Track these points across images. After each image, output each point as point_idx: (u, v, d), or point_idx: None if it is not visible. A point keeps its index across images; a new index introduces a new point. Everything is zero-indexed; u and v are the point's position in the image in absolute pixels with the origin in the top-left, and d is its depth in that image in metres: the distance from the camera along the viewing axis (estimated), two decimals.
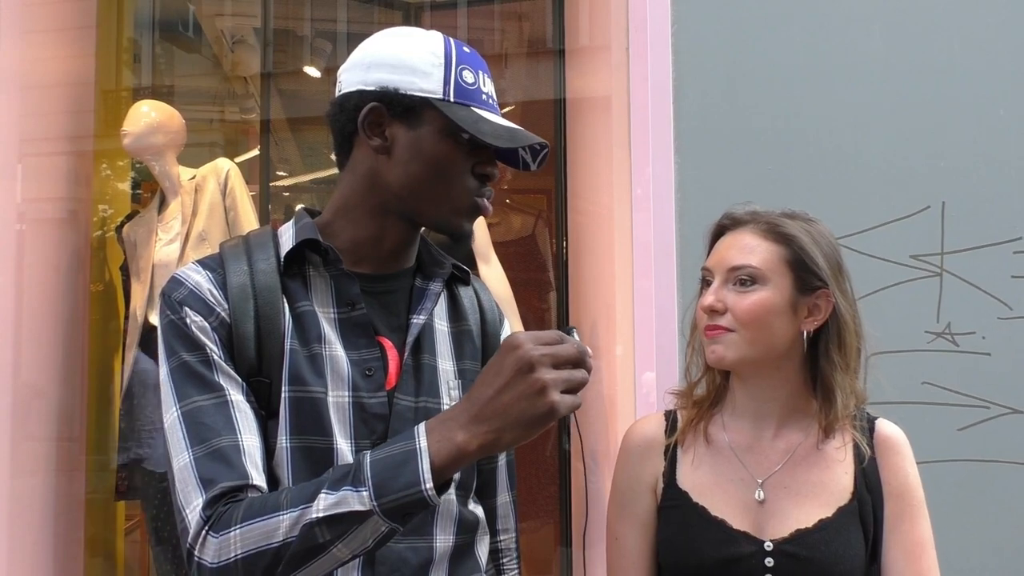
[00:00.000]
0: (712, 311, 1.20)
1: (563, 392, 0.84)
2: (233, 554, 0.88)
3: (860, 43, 2.08)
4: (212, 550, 0.89)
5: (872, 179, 2.04)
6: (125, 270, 2.92)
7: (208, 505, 0.91)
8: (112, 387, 2.99)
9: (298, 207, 1.16)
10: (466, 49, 1.07)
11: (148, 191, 3.36)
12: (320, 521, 0.86)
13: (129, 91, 3.46)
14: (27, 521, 2.40)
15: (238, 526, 0.89)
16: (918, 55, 2.07)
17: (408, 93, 1.03)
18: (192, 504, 0.92)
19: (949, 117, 2.06)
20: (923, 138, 2.05)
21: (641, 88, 2.06)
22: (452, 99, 1.03)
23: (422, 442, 0.86)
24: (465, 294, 1.20)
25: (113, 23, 3.27)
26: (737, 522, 1.20)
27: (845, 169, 2.04)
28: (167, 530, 2.71)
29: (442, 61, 1.04)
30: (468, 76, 1.04)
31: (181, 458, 0.94)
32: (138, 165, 3.41)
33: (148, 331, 2.69)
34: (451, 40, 1.07)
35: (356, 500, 0.85)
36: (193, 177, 2.79)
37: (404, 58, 1.04)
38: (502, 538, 1.24)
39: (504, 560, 1.24)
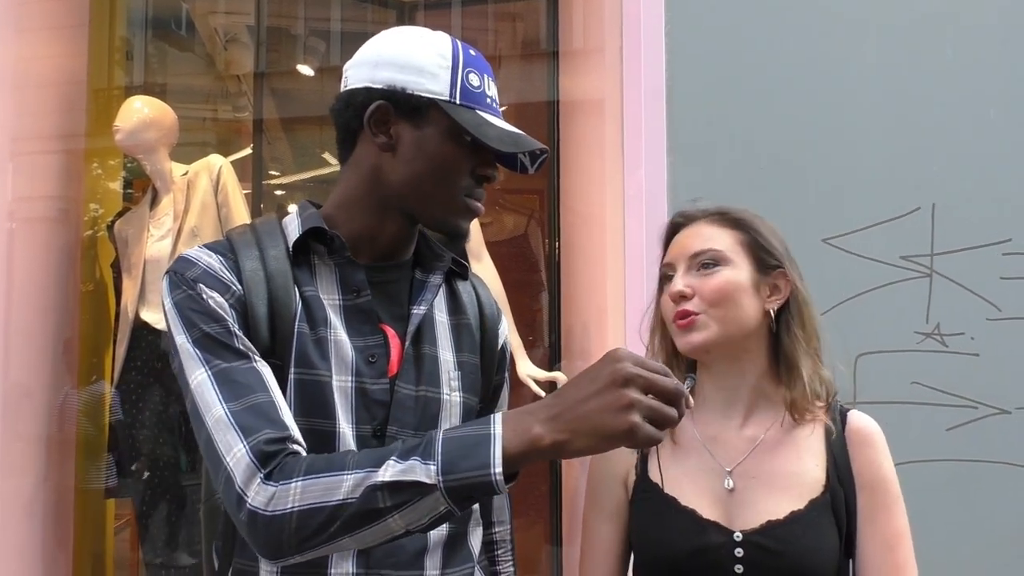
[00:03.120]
0: (681, 297, 1.23)
1: (647, 420, 0.83)
2: (290, 505, 0.87)
3: (853, 46, 2.09)
4: (267, 497, 0.88)
5: (863, 180, 2.05)
6: (116, 267, 2.91)
7: (255, 451, 0.90)
8: (102, 386, 2.98)
9: (300, 201, 1.17)
10: (472, 52, 1.09)
11: (140, 190, 3.35)
12: (384, 486, 0.86)
13: (121, 89, 3.44)
14: (16, 521, 2.39)
15: (300, 478, 0.88)
16: (910, 58, 2.09)
17: (415, 93, 1.04)
18: (233, 451, 0.91)
19: (940, 119, 2.07)
20: (914, 140, 2.07)
21: (634, 90, 2.07)
22: (458, 101, 1.04)
23: (497, 428, 0.86)
24: (464, 289, 1.21)
25: (105, 21, 3.25)
26: (707, 512, 1.20)
27: (836, 170, 2.05)
28: (156, 528, 2.70)
29: (449, 63, 1.05)
30: (474, 79, 1.06)
31: (215, 411, 0.94)
32: (130, 164, 3.41)
33: (139, 328, 2.69)
34: (458, 42, 1.09)
35: (423, 472, 0.85)
36: (185, 173, 2.79)
37: (412, 58, 1.06)
38: (497, 530, 1.25)
39: (499, 552, 1.25)
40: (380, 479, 0.86)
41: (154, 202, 2.83)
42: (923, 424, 1.99)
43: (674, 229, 1.32)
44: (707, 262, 1.23)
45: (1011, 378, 2.03)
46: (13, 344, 2.31)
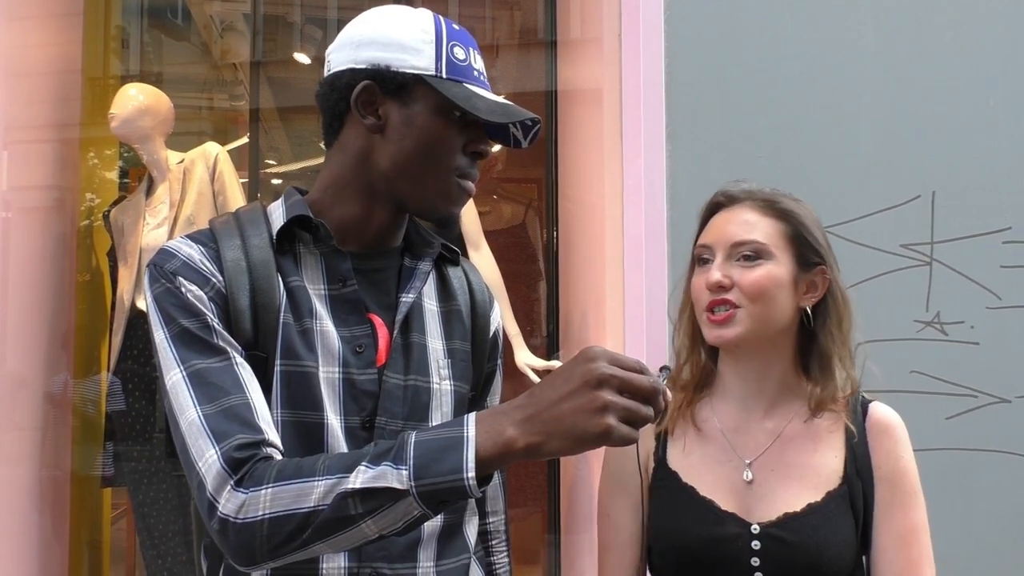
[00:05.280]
0: (719, 287, 1.18)
1: (622, 420, 0.81)
2: (261, 513, 0.86)
3: (852, 34, 2.08)
4: (238, 505, 0.87)
5: (863, 168, 2.04)
6: (112, 256, 2.89)
7: (226, 458, 0.89)
8: (99, 375, 2.97)
9: (287, 188, 1.15)
10: (455, 26, 1.07)
11: (135, 178, 3.34)
12: (355, 493, 0.84)
13: (117, 78, 3.42)
14: (12, 510, 2.38)
15: (270, 485, 0.87)
16: (910, 45, 2.08)
17: (400, 70, 1.02)
18: (205, 456, 0.90)
19: (940, 107, 2.06)
20: (914, 128, 2.06)
21: (633, 79, 2.05)
22: (444, 75, 1.02)
23: (470, 430, 0.84)
24: (454, 275, 1.19)
25: (101, 10, 3.23)
26: (725, 503, 1.19)
27: (836, 158, 2.05)
28: (153, 517, 2.70)
29: (433, 38, 1.03)
30: (459, 52, 1.04)
31: (188, 415, 0.92)
32: (126, 153, 3.39)
33: (135, 316, 2.68)
34: (440, 17, 1.06)
35: (395, 478, 0.83)
36: (181, 161, 2.77)
37: (395, 36, 1.03)
38: (491, 520, 1.23)
39: (493, 542, 1.23)
40: (351, 486, 0.84)
41: (150, 190, 2.81)
42: (923, 413, 1.98)
43: (714, 208, 1.26)
44: (749, 254, 1.18)
45: (1011, 367, 2.03)
46: (9, 333, 2.30)
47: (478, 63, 1.06)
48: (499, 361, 1.25)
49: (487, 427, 0.84)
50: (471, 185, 1.06)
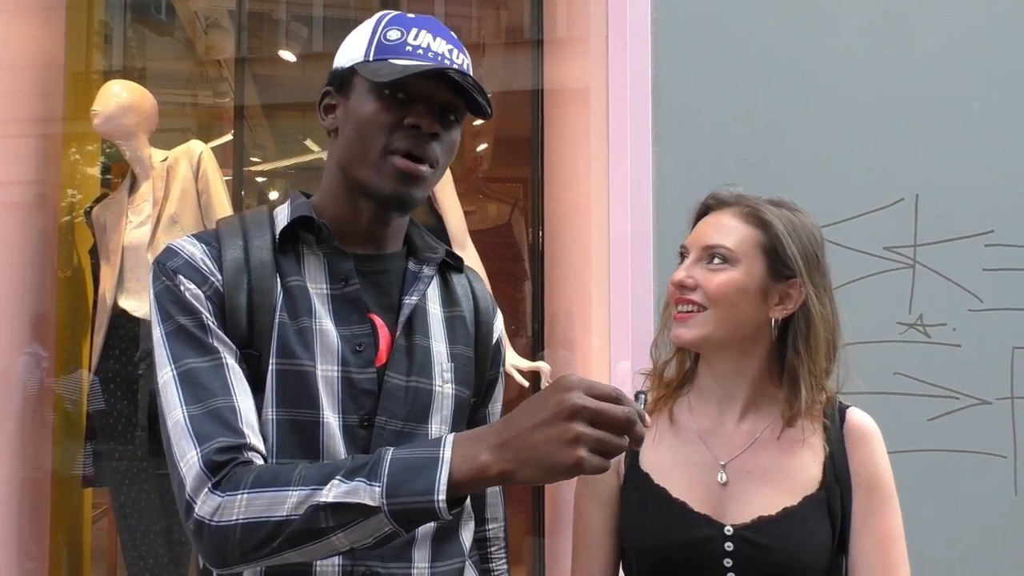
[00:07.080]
0: (682, 286, 1.20)
1: (594, 451, 0.80)
2: (235, 517, 0.88)
3: (838, 36, 2.09)
4: (213, 508, 0.89)
5: (847, 171, 2.06)
6: (94, 254, 2.87)
7: (206, 460, 0.91)
8: (80, 373, 2.94)
9: (291, 190, 1.17)
10: (410, 15, 1.08)
11: (118, 175, 3.30)
12: (327, 506, 0.85)
13: (100, 74, 3.39)
14: None
15: (246, 491, 0.88)
16: (894, 49, 2.09)
17: (341, 67, 1.07)
18: (187, 456, 0.92)
19: (924, 111, 2.08)
20: (898, 131, 2.07)
21: (620, 79, 2.06)
22: (371, 59, 1.05)
23: (446, 452, 0.85)
24: (458, 282, 1.20)
25: (83, 4, 3.20)
26: (698, 505, 1.19)
27: (821, 161, 2.06)
28: (135, 518, 2.68)
29: (370, 29, 1.07)
30: (392, 34, 1.06)
31: (175, 414, 0.94)
32: (108, 149, 3.36)
33: (117, 315, 2.65)
34: (396, 13, 1.09)
35: (367, 494, 0.84)
36: (165, 159, 2.74)
37: (346, 41, 1.09)
38: (491, 527, 1.24)
39: (492, 548, 1.24)
40: (323, 499, 0.85)
41: (133, 188, 2.79)
42: (905, 415, 2.00)
43: (703, 211, 1.27)
44: (716, 258, 1.19)
45: (992, 369, 2.04)
46: None
47: (419, 39, 1.05)
48: (501, 369, 1.26)
49: (463, 451, 0.85)
50: (406, 162, 1.03)
